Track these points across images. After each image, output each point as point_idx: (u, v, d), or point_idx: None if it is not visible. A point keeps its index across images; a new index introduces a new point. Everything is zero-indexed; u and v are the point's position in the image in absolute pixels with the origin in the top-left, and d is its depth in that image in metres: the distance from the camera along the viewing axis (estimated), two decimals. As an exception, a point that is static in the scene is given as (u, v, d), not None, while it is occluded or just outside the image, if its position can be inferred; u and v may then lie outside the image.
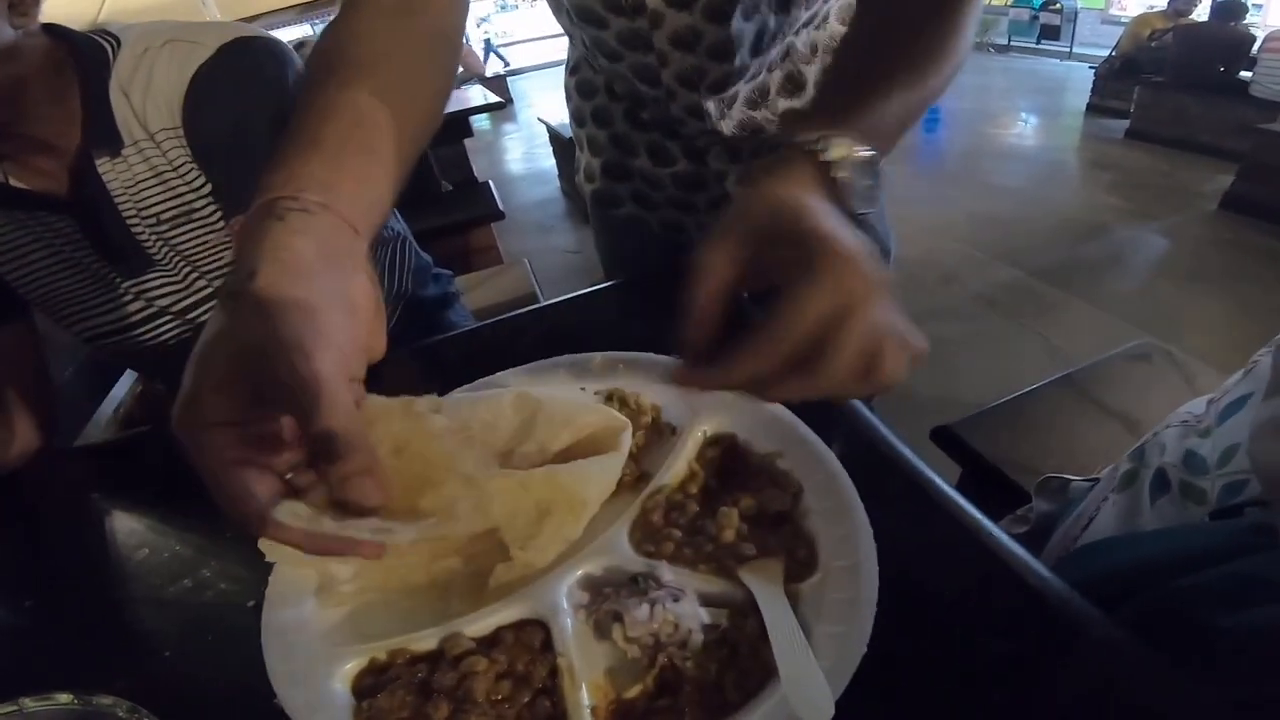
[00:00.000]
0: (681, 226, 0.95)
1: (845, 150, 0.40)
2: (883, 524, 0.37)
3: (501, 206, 2.47)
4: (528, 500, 0.39)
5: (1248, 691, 0.37)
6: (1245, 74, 4.53)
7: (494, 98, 2.77)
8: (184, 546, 0.54)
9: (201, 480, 0.34)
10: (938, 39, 0.48)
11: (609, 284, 0.80)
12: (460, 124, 2.74)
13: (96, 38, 0.74)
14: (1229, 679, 0.39)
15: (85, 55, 0.72)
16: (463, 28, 0.60)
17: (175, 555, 0.53)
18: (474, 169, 2.95)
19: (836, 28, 0.80)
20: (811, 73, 0.81)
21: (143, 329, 0.84)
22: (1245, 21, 5.46)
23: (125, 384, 1.10)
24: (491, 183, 2.67)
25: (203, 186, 0.76)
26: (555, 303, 0.77)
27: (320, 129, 0.44)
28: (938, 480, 0.44)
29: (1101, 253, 3.12)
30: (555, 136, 4.33)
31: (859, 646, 0.33)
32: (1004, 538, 0.40)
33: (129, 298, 0.82)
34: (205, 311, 0.84)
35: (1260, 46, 4.50)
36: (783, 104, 0.82)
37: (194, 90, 0.72)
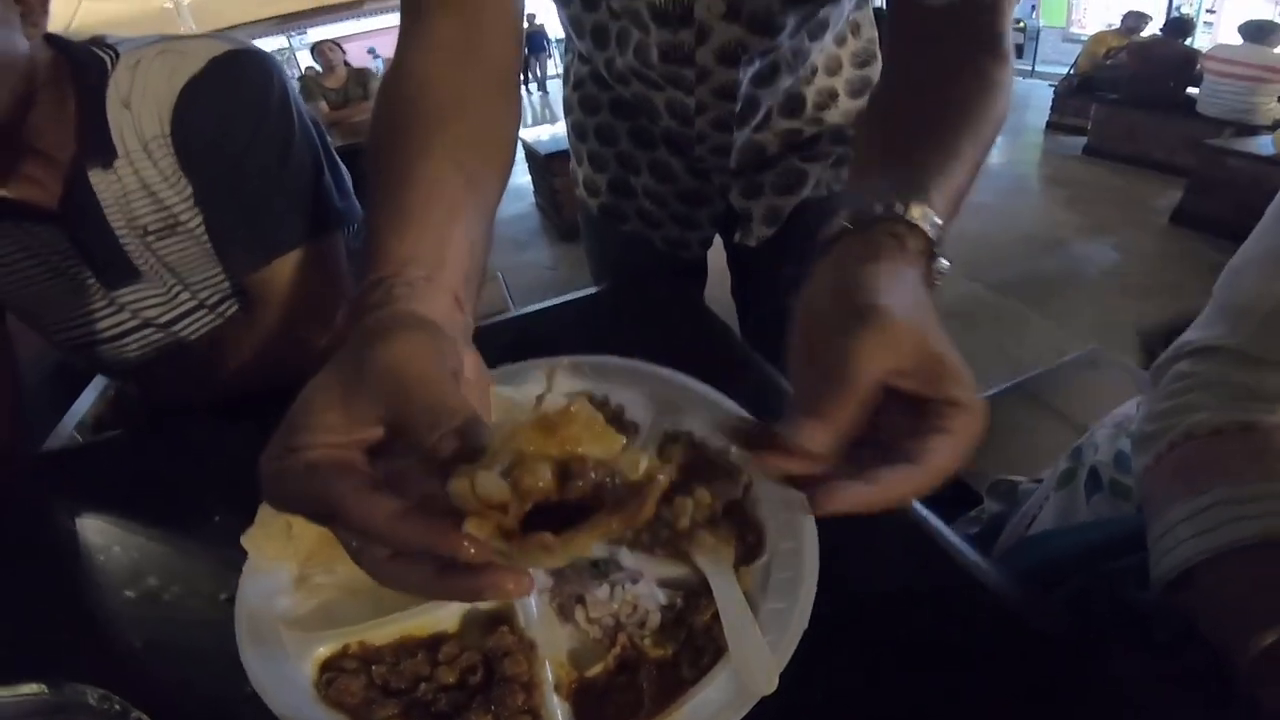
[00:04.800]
0: (685, 243, 0.97)
1: (937, 234, 0.39)
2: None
3: None
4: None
5: (1172, 664, 0.42)
6: (1193, 90, 4.74)
7: None
8: (156, 544, 0.56)
9: (323, 507, 0.30)
10: (986, 101, 0.48)
11: (597, 290, 0.85)
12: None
13: (95, 50, 0.75)
14: (1155, 651, 0.43)
15: (85, 67, 0.73)
16: (519, 68, 0.59)
17: (146, 552, 0.55)
18: None
19: (832, 47, 0.83)
20: (810, 92, 0.84)
21: (125, 339, 0.85)
22: (1195, 38, 5.74)
23: (92, 394, 1.10)
24: None
25: (190, 196, 0.77)
26: (531, 311, 0.82)
27: (408, 197, 0.44)
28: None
29: (1058, 267, 3.26)
30: (531, 153, 4.36)
31: (800, 623, 0.36)
32: (940, 526, 0.45)
33: (112, 308, 0.83)
34: (188, 324, 0.86)
35: (1200, 66, 4.73)
36: (783, 124, 0.85)
37: (183, 99, 0.73)
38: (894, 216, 0.38)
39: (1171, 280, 2.97)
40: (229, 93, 0.74)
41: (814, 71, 0.83)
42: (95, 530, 0.61)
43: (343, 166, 0.89)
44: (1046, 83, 7.32)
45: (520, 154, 5.00)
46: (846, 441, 0.31)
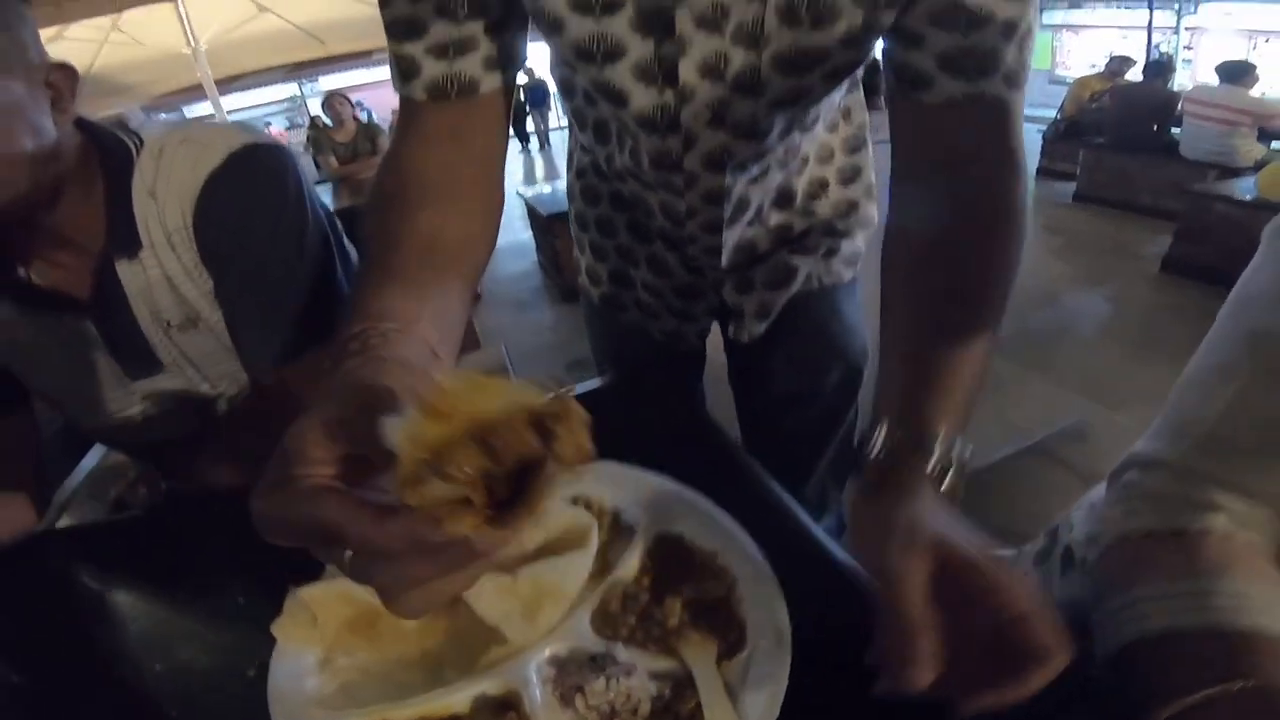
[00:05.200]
0: (682, 335, 1.01)
1: (953, 461, 0.48)
2: (805, 605, 0.48)
3: (479, 286, 2.55)
4: (516, 599, 0.49)
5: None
6: (1177, 131, 4.83)
7: None
8: (182, 620, 0.61)
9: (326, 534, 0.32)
10: (1005, 258, 0.55)
11: (596, 384, 0.90)
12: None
13: (121, 136, 0.77)
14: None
15: (111, 154, 0.76)
16: (504, 151, 0.65)
17: (175, 627, 0.60)
18: None
19: (823, 135, 0.85)
20: (801, 183, 0.86)
21: (147, 425, 0.88)
22: (1176, 77, 5.81)
23: (97, 454, 1.15)
24: None
25: (210, 290, 0.80)
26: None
27: (390, 258, 0.49)
28: (856, 566, 0.56)
29: (1052, 322, 3.30)
30: (533, 211, 4.38)
31: (773, 711, 0.42)
32: None
33: (136, 395, 0.85)
34: (207, 414, 0.89)
35: (1181, 108, 4.79)
36: (775, 218, 0.87)
37: (205, 192, 0.76)
38: (920, 456, 0.48)
39: (1162, 333, 3.03)
40: (248, 188, 0.77)
41: (805, 162, 0.85)
42: (123, 605, 0.65)
43: (353, 252, 0.92)
44: (1035, 127, 7.43)
45: (522, 210, 5.11)
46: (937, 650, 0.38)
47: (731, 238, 0.84)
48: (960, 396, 0.50)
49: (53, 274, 0.77)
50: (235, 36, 5.11)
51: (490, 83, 0.61)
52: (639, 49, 0.62)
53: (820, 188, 0.88)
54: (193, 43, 3.56)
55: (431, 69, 0.59)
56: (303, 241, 0.79)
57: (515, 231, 5.66)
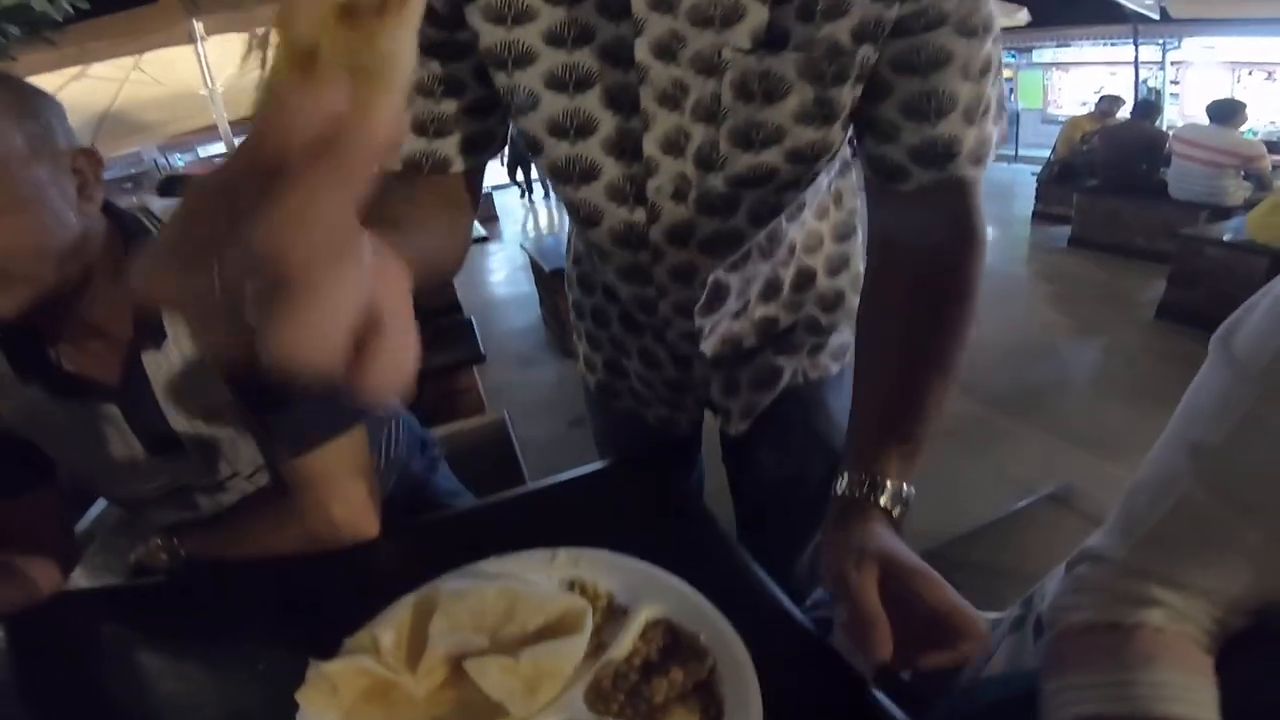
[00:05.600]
0: (675, 422, 1.04)
1: (900, 499, 0.64)
2: (781, 682, 0.54)
3: (482, 343, 2.56)
4: (518, 678, 0.55)
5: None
6: (1166, 171, 4.82)
7: (480, 230, 2.89)
8: (204, 684, 0.66)
9: None
10: (958, 330, 0.67)
11: (597, 468, 0.95)
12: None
13: (145, 221, 0.81)
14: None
15: (136, 242, 0.79)
16: (469, 223, 0.71)
17: (195, 692, 0.65)
18: (458, 295, 2.96)
19: (812, 221, 0.86)
20: (788, 275, 0.87)
21: (170, 501, 0.92)
22: (1164, 114, 5.76)
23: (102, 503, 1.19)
24: (474, 320, 2.75)
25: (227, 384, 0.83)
26: (535, 489, 0.94)
27: None
28: (831, 645, 0.62)
29: (1049, 374, 3.31)
30: (536, 265, 4.36)
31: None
32: (880, 698, 0.57)
33: (160, 475, 0.89)
34: (225, 490, 0.93)
35: (1169, 147, 4.82)
36: (760, 310, 0.88)
37: None
38: (874, 497, 0.64)
39: (1158, 382, 3.04)
40: None
41: (792, 251, 0.86)
42: (146, 667, 0.71)
43: None
44: (1030, 169, 7.48)
45: (525, 262, 5.12)
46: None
47: (711, 325, 0.85)
48: (911, 446, 0.66)
49: (81, 360, 0.81)
50: (250, 80, 5.26)
51: (463, 163, 0.68)
52: (608, 125, 0.67)
53: (808, 279, 0.89)
54: (209, 84, 3.68)
55: (409, 144, 0.65)
56: None
57: (518, 284, 5.66)
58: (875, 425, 0.68)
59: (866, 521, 0.62)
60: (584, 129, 0.67)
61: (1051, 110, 13.39)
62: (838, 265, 0.91)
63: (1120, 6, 7.47)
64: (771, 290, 0.87)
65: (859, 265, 0.94)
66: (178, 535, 0.94)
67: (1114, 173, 5.17)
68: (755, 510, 1.08)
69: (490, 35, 0.63)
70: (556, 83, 0.65)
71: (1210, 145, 4.45)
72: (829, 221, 0.89)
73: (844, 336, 0.96)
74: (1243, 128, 4.59)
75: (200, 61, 3.55)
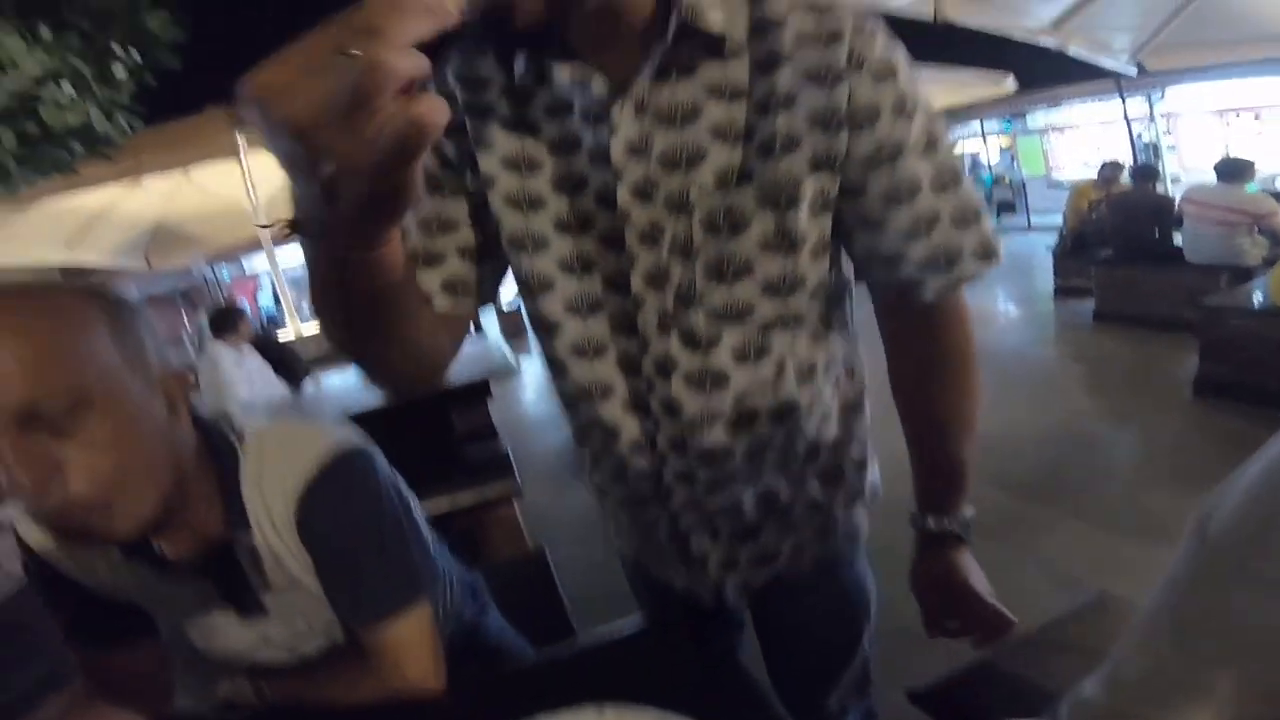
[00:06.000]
0: (697, 595, 1.00)
1: (967, 524, 0.91)
2: None
3: (518, 467, 2.53)
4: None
5: None
6: (1178, 235, 4.85)
7: (510, 358, 2.92)
8: None
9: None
10: (970, 385, 0.86)
11: (639, 627, 1.01)
12: (481, 388, 2.75)
13: (226, 433, 0.90)
14: None
15: (220, 452, 0.88)
16: (451, 355, 0.79)
17: None
18: (492, 416, 2.90)
19: (826, 392, 0.85)
20: (800, 443, 0.85)
21: (252, 654, 1.01)
22: (1163, 165, 5.65)
23: None
24: (510, 449, 2.70)
25: (310, 567, 0.91)
26: (587, 648, 1.03)
27: None
28: None
29: (1087, 462, 3.20)
30: None
31: None
32: None
33: (245, 632, 0.99)
34: (302, 646, 1.02)
35: (1179, 209, 4.82)
36: (767, 482, 0.87)
37: (303, 501, 0.87)
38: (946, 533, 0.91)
39: (1203, 460, 2.94)
40: (341, 496, 0.91)
41: (797, 416, 0.84)
42: None
43: (423, 527, 1.06)
44: (1044, 240, 7.53)
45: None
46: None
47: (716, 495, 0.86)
48: (962, 484, 0.90)
49: (178, 548, 0.89)
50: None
51: (444, 302, 0.74)
52: (609, 263, 0.76)
53: (813, 450, 0.87)
54: (253, 199, 3.84)
55: (428, 280, 0.74)
56: (386, 526, 0.94)
57: (552, 402, 5.53)
58: (932, 474, 0.91)
59: (939, 552, 0.92)
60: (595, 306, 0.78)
61: (1055, 174, 13.61)
62: (843, 439, 0.90)
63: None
64: (783, 459, 0.86)
65: (866, 444, 0.94)
66: (262, 678, 1.01)
67: (1126, 241, 5.19)
68: (781, 660, 1.09)
69: (510, 220, 0.76)
70: (562, 225, 0.75)
71: (1220, 204, 4.47)
72: (839, 395, 0.89)
73: (855, 520, 0.95)
74: (1249, 185, 4.60)
75: (244, 174, 3.68)
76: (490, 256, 0.78)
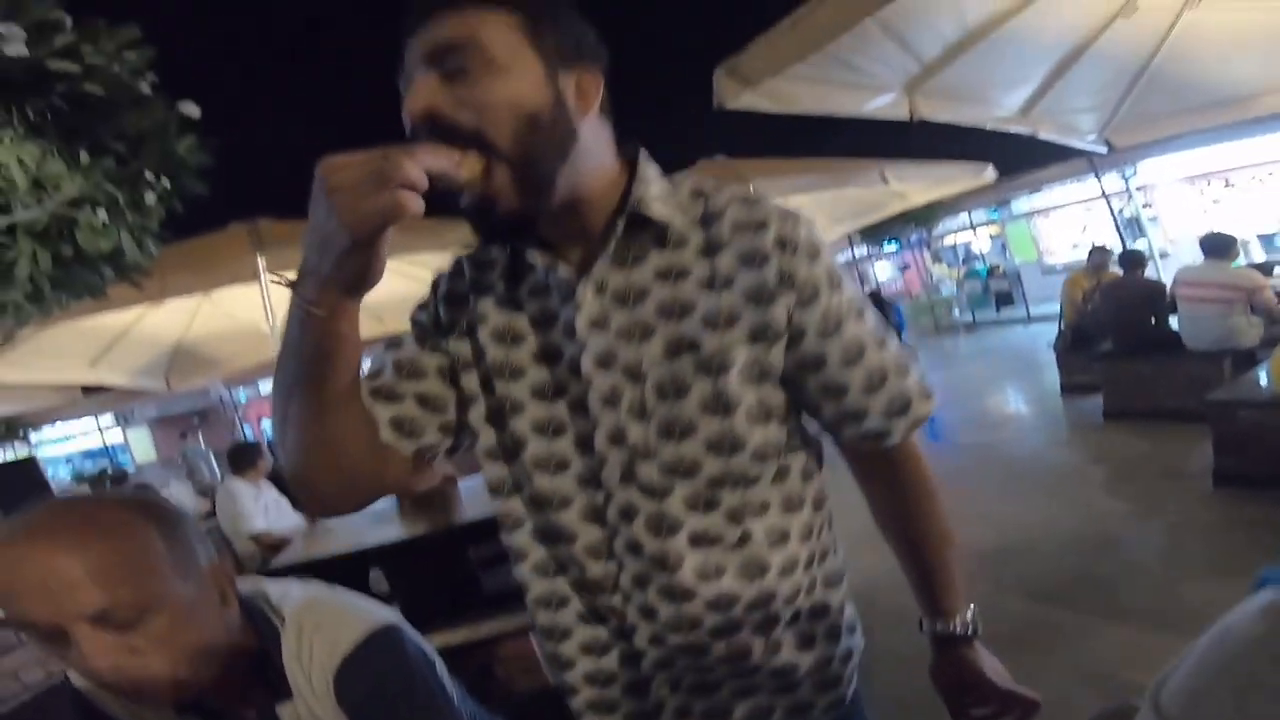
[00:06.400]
0: None
1: (973, 623, 0.95)
2: None
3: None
4: None
5: None
6: (1173, 319, 4.91)
7: None
8: None
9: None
10: (936, 506, 0.92)
11: None
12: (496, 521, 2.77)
13: (268, 613, 0.97)
14: None
15: (262, 633, 0.95)
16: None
17: None
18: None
19: (798, 551, 0.85)
20: (775, 604, 0.85)
21: None
22: (1149, 246, 5.65)
23: None
24: None
25: None
26: None
27: None
28: None
29: (1113, 563, 3.14)
30: None
31: None
32: None
33: None
34: None
35: (1173, 293, 4.91)
36: (729, 641, 0.85)
37: (340, 676, 0.93)
38: (953, 635, 0.95)
39: (1236, 551, 2.90)
40: (375, 671, 0.95)
41: (767, 576, 0.83)
42: None
43: (448, 686, 1.05)
44: (1044, 335, 7.58)
45: None
46: None
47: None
48: (957, 585, 0.95)
49: (228, 710, 0.96)
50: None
51: (387, 434, 0.82)
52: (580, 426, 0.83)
53: (793, 616, 0.87)
54: (270, 320, 3.87)
55: (381, 410, 0.83)
56: (417, 689, 0.97)
57: None
58: (923, 587, 0.96)
59: (952, 650, 0.96)
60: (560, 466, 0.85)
61: (1048, 259, 13.78)
62: (819, 610, 0.90)
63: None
64: (748, 612, 0.84)
65: (842, 615, 0.93)
66: None
67: (1122, 330, 5.25)
68: None
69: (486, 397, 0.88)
70: (539, 392, 0.85)
71: (1212, 283, 4.58)
72: (819, 569, 0.89)
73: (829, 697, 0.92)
74: (1237, 260, 4.73)
75: (263, 297, 3.70)
76: (444, 412, 0.87)
